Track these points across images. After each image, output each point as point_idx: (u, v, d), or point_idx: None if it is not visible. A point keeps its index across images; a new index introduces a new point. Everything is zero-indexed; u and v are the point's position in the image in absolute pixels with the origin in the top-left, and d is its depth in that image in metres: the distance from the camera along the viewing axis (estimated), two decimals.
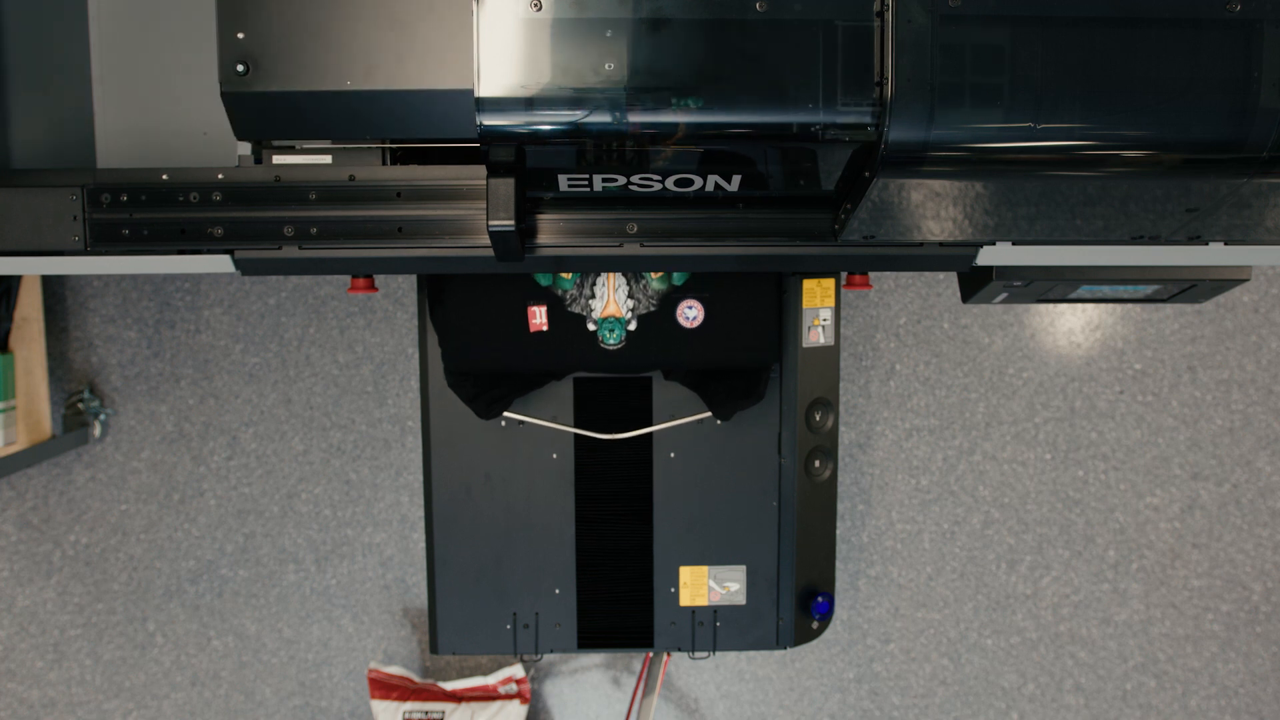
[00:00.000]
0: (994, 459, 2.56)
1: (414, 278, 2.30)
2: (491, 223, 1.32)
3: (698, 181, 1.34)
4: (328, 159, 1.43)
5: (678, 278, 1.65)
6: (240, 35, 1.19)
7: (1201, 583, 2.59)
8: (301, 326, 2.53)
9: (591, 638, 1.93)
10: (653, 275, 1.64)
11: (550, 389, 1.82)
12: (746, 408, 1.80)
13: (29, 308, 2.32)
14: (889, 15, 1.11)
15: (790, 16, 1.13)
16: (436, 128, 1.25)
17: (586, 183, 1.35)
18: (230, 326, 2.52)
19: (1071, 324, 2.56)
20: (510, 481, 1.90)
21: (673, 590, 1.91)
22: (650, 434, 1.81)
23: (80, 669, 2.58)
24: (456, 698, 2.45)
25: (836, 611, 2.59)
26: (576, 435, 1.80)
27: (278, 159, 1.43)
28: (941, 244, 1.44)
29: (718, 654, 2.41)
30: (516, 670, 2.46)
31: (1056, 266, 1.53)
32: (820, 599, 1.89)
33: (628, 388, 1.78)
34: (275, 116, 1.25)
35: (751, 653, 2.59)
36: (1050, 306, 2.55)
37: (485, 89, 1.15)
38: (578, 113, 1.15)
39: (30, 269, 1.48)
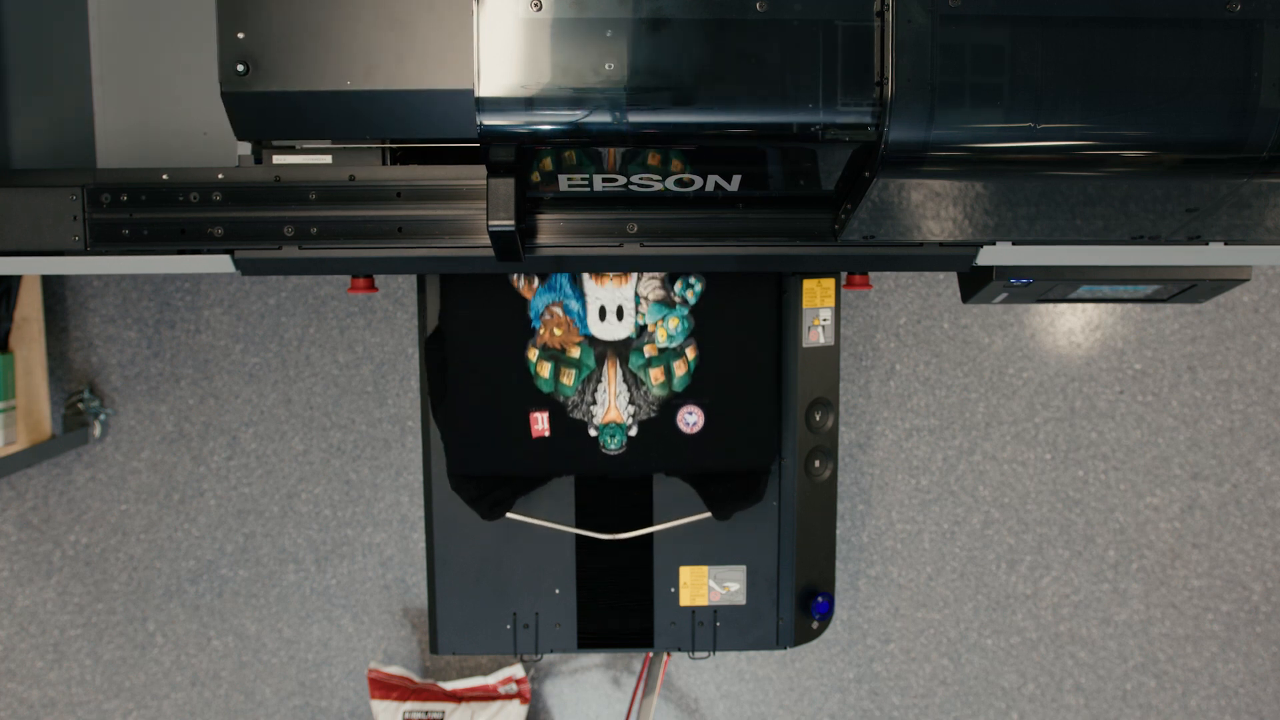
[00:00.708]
0: (994, 459, 2.56)
1: (414, 278, 2.30)
2: (491, 223, 1.32)
3: (698, 181, 1.34)
4: (328, 159, 1.43)
5: (678, 384, 1.69)
6: (240, 35, 1.19)
7: (1201, 583, 2.59)
8: (301, 326, 2.53)
9: (591, 638, 1.93)
10: (653, 381, 1.68)
11: (552, 483, 1.84)
12: (746, 508, 1.83)
13: (29, 308, 2.32)
14: (889, 15, 1.11)
15: (790, 16, 1.13)
16: (436, 128, 1.25)
17: (586, 182, 1.35)
18: (230, 326, 2.52)
19: (1071, 324, 2.56)
20: None
21: (673, 590, 1.91)
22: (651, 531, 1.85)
23: (80, 669, 2.58)
24: (456, 698, 2.45)
25: (836, 611, 2.59)
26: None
27: (278, 159, 1.43)
28: (941, 244, 1.44)
29: (718, 654, 2.41)
30: (516, 670, 2.46)
31: (1056, 266, 1.53)
32: (820, 599, 1.89)
33: (628, 485, 1.82)
34: (275, 116, 1.25)
35: (751, 653, 2.59)
36: (1050, 306, 2.55)
37: (485, 89, 1.15)
38: (578, 113, 1.16)
39: (30, 269, 1.48)
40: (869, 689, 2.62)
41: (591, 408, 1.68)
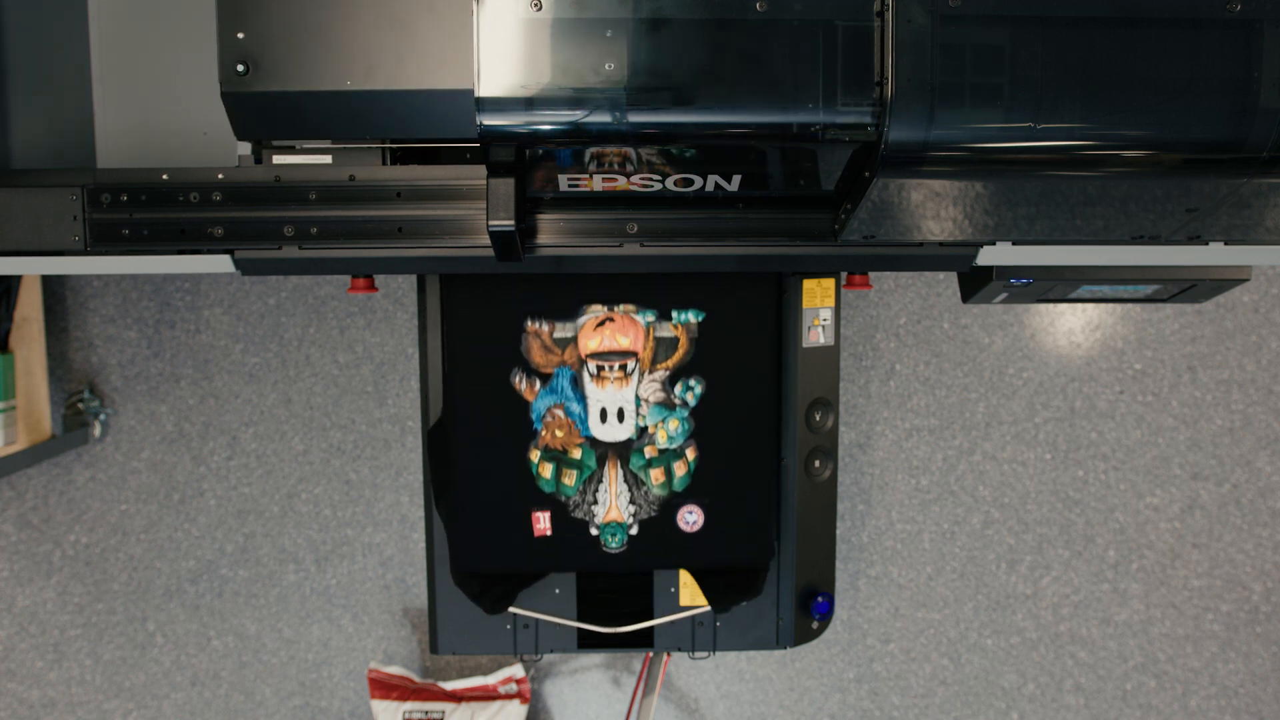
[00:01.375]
0: (994, 459, 2.56)
1: (414, 278, 2.30)
2: (491, 223, 1.32)
3: (698, 181, 1.34)
4: (328, 159, 1.43)
5: (679, 484, 1.72)
6: (240, 35, 1.19)
7: (1201, 583, 2.59)
8: (301, 326, 2.53)
9: (591, 638, 1.93)
10: (654, 481, 1.71)
11: (554, 575, 1.87)
12: (744, 602, 1.86)
13: (29, 308, 2.32)
14: (889, 15, 1.11)
15: (790, 16, 1.13)
16: (436, 128, 1.25)
17: (587, 183, 1.35)
18: (230, 326, 2.52)
19: (1071, 324, 2.56)
20: None
21: (673, 590, 1.91)
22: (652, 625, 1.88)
23: (80, 669, 2.58)
24: (456, 698, 2.45)
25: (836, 611, 2.59)
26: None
27: (278, 159, 1.43)
28: (941, 244, 1.44)
29: (718, 654, 2.41)
30: (516, 670, 2.46)
31: (1056, 266, 1.53)
32: (820, 599, 1.89)
33: (629, 578, 1.86)
34: (275, 116, 1.25)
35: (751, 653, 2.59)
36: (1050, 306, 2.55)
37: (485, 89, 1.15)
38: (578, 113, 1.15)
39: (30, 269, 1.48)
40: (869, 689, 2.62)
41: (593, 507, 1.72)
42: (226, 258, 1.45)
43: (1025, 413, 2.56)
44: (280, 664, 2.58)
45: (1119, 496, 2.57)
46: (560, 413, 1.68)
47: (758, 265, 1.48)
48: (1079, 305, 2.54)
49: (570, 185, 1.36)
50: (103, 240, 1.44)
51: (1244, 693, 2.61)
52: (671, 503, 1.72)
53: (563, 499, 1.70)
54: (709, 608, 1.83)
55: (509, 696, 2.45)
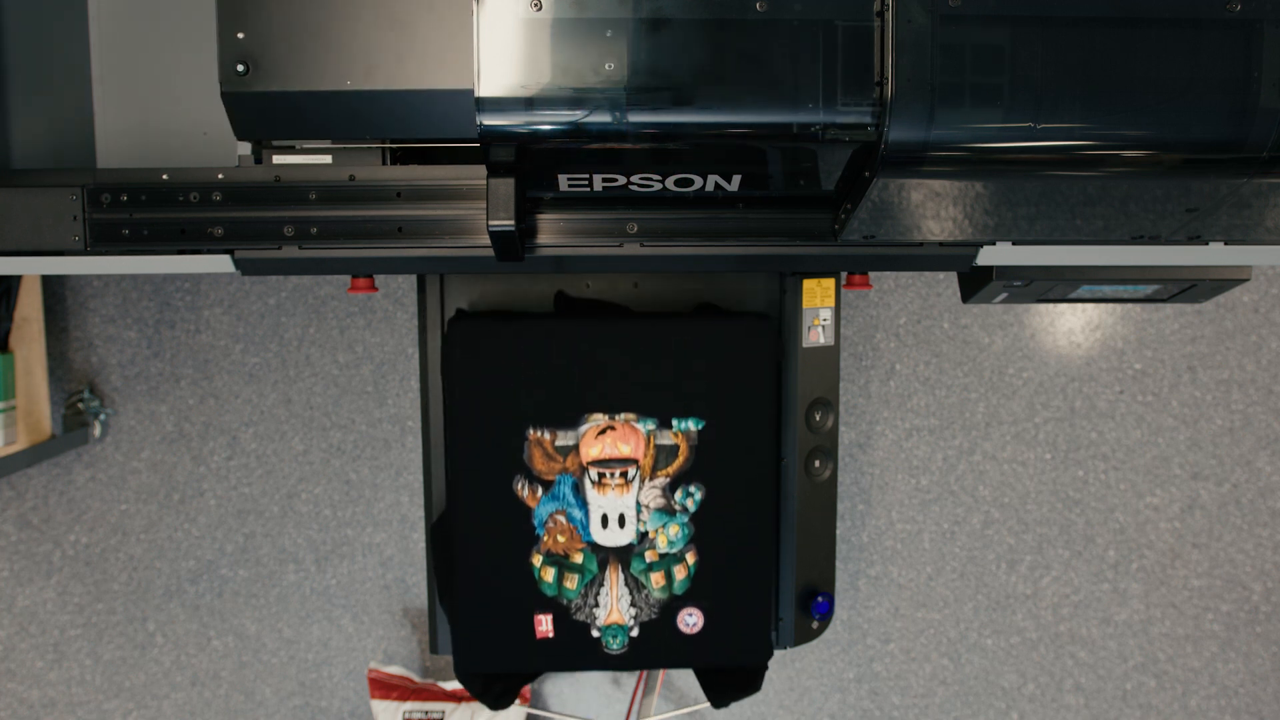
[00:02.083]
0: (994, 459, 2.56)
1: (414, 278, 2.30)
2: (492, 223, 1.32)
3: (698, 181, 1.34)
4: (328, 159, 1.43)
5: (679, 587, 1.75)
6: (240, 35, 1.19)
7: (1201, 583, 2.59)
8: (301, 326, 2.53)
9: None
10: (654, 585, 1.74)
11: None
12: (742, 698, 1.90)
13: (29, 308, 2.32)
14: (889, 15, 1.11)
15: (790, 16, 1.13)
16: (436, 128, 1.25)
17: (586, 183, 1.35)
18: (230, 326, 2.52)
19: (1071, 324, 2.56)
20: None
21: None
22: None
23: (80, 669, 2.58)
24: (456, 698, 2.45)
25: (836, 611, 2.59)
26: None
27: (278, 159, 1.43)
28: (941, 244, 1.44)
29: None
30: None
31: (1056, 266, 1.53)
32: (820, 599, 1.89)
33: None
34: (275, 116, 1.25)
35: None
36: (1050, 306, 2.55)
37: (485, 89, 1.15)
38: (578, 113, 1.15)
39: (30, 269, 1.48)
40: (869, 689, 2.62)
41: (594, 610, 1.74)
42: (226, 258, 1.45)
43: (1025, 413, 2.56)
44: (280, 664, 2.58)
45: (1119, 496, 2.57)
46: (562, 518, 1.71)
47: (758, 265, 1.48)
48: (1079, 305, 2.54)
49: (570, 185, 1.36)
50: (103, 240, 1.44)
51: (1244, 693, 2.61)
52: (672, 605, 1.75)
53: (565, 602, 1.74)
54: (707, 705, 1.90)
55: None
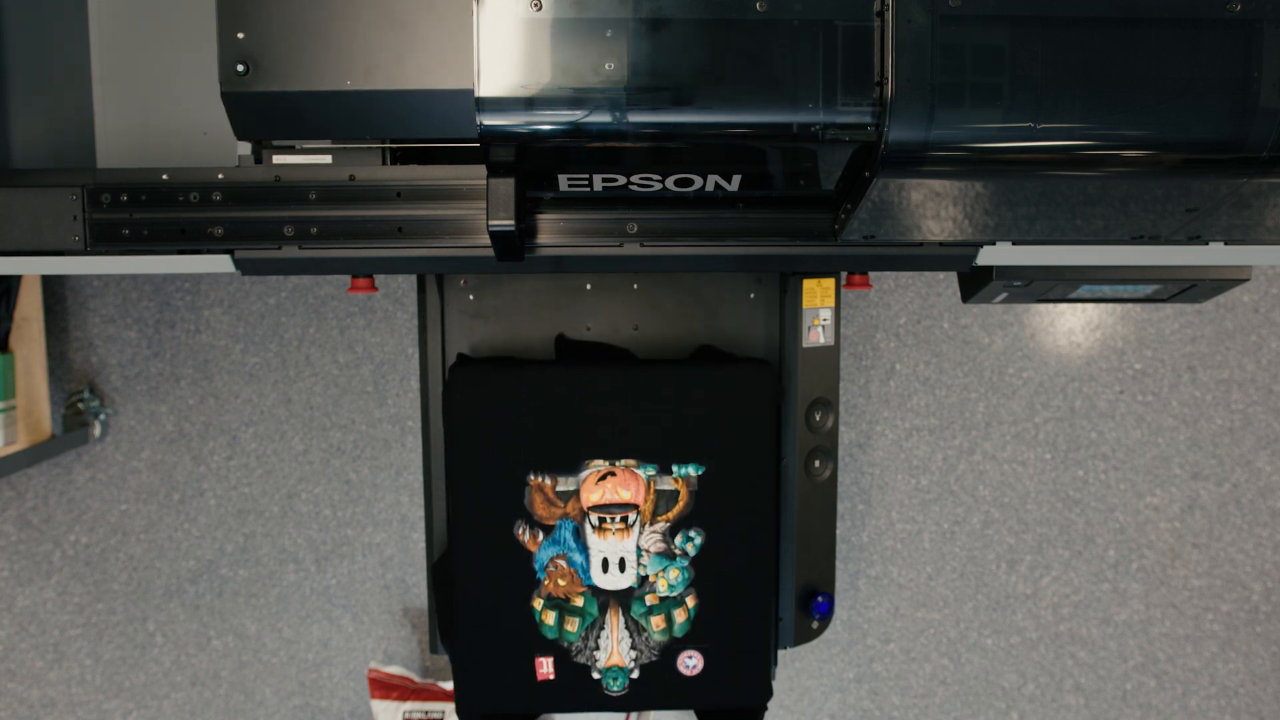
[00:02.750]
0: (994, 459, 2.56)
1: (414, 278, 2.30)
2: (492, 223, 1.32)
3: (698, 181, 1.34)
4: (328, 159, 1.43)
5: (679, 630, 1.76)
6: (240, 35, 1.19)
7: (1201, 583, 2.59)
8: (301, 326, 2.53)
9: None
10: (655, 628, 1.76)
11: None
12: None
13: (29, 308, 2.32)
14: (889, 15, 1.11)
15: (790, 16, 1.13)
16: (436, 128, 1.25)
17: (586, 183, 1.35)
18: (230, 326, 2.52)
19: (1071, 324, 2.56)
20: None
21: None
22: None
23: (80, 669, 2.58)
24: None
25: (836, 611, 2.59)
26: None
27: (278, 159, 1.43)
28: (941, 244, 1.44)
29: None
30: None
31: (1056, 266, 1.53)
32: (820, 599, 1.89)
33: None
34: (275, 116, 1.25)
35: None
36: (1050, 306, 2.55)
37: (485, 89, 1.15)
38: (578, 113, 1.15)
39: (30, 269, 1.48)
40: (869, 689, 2.62)
41: (595, 652, 1.76)
42: (226, 258, 1.45)
43: (1025, 413, 2.56)
44: (280, 664, 2.58)
45: (1119, 496, 2.57)
46: (563, 563, 1.73)
47: (758, 265, 1.48)
48: (1079, 305, 2.54)
49: (570, 185, 1.36)
50: (103, 240, 1.44)
51: (1244, 693, 2.61)
52: (672, 648, 1.77)
53: (565, 645, 1.75)
54: None
55: None
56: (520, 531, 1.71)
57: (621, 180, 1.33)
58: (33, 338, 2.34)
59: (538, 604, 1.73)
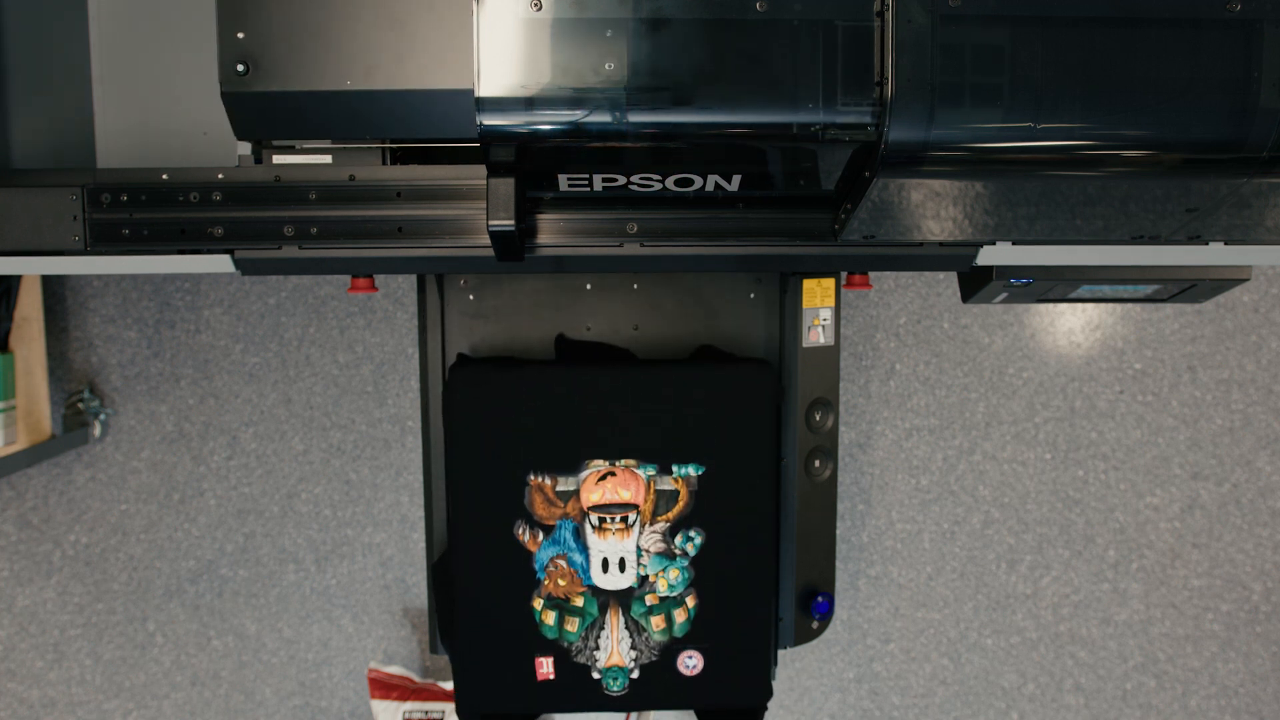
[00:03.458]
0: (994, 459, 2.56)
1: (414, 277, 2.30)
2: (492, 223, 1.32)
3: (698, 181, 1.34)
4: (328, 159, 1.43)
5: (679, 630, 1.76)
6: (240, 35, 1.19)
7: (1201, 583, 2.59)
8: (301, 326, 2.53)
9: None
10: (655, 628, 1.76)
11: None
12: None
13: (29, 308, 2.32)
14: (889, 15, 1.11)
15: (790, 16, 1.13)
16: (436, 128, 1.25)
17: (586, 183, 1.35)
18: (230, 326, 2.52)
19: (1071, 324, 2.56)
20: None
21: None
22: None
23: (80, 669, 2.58)
24: None
25: (836, 611, 2.59)
26: None
27: (278, 159, 1.43)
28: (941, 244, 1.44)
29: None
30: None
31: (1056, 266, 1.53)
32: (820, 599, 1.89)
33: None
34: (275, 116, 1.25)
35: None
36: (1050, 306, 2.55)
37: (485, 89, 1.15)
38: (578, 113, 1.15)
39: (30, 269, 1.48)
40: (869, 689, 2.62)
41: (595, 652, 1.76)
42: (226, 258, 1.45)
43: (1025, 413, 2.56)
44: (280, 664, 2.58)
45: (1119, 496, 2.57)
46: (563, 563, 1.73)
47: (758, 265, 1.48)
48: (1079, 305, 2.54)
49: (570, 185, 1.36)
50: (103, 240, 1.44)
51: (1244, 693, 2.61)
52: (672, 648, 1.77)
53: (565, 645, 1.76)
54: None
55: None
56: (520, 531, 1.71)
57: (621, 180, 1.33)
58: (33, 338, 2.34)
59: (538, 604, 1.73)
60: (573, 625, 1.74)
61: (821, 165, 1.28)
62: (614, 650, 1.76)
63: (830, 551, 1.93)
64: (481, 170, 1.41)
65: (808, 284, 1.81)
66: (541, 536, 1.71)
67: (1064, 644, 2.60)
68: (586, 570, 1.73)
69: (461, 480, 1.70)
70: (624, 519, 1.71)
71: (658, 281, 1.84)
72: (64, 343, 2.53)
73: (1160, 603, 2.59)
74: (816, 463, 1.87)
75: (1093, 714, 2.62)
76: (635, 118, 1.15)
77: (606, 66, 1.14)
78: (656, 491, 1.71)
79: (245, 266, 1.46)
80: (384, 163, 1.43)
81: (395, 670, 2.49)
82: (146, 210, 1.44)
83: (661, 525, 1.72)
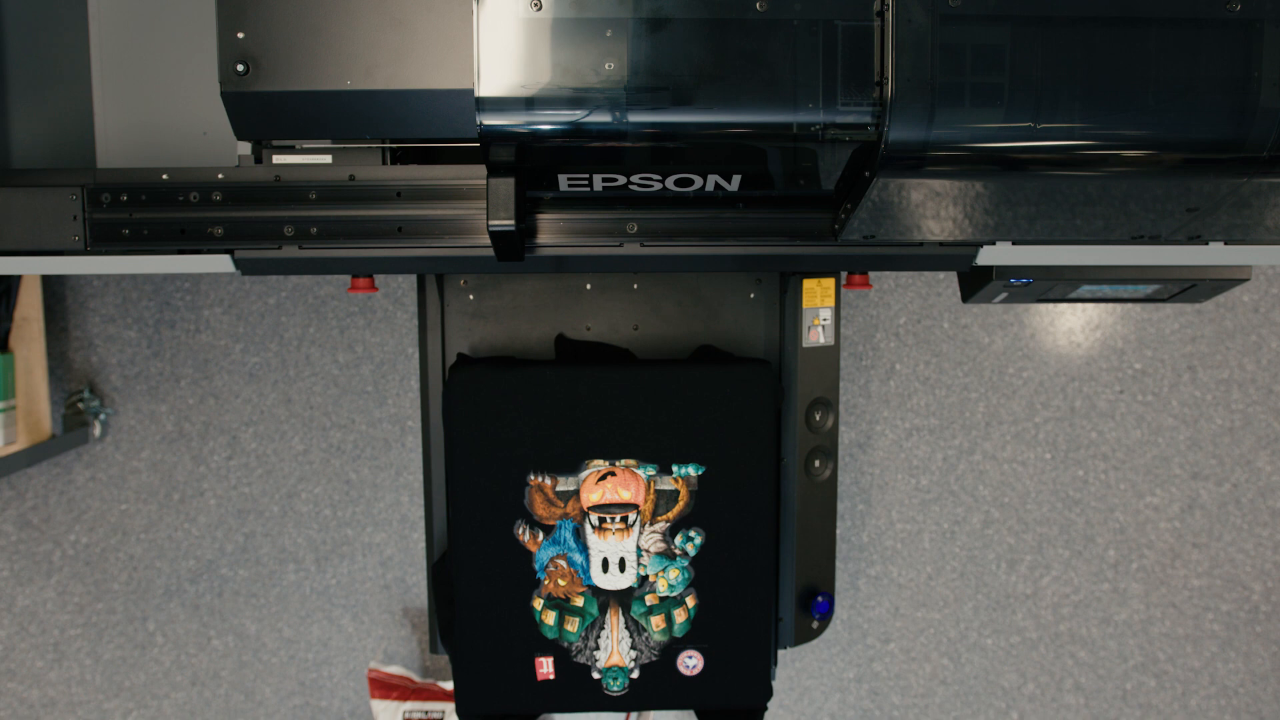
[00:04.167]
0: (994, 459, 2.56)
1: (414, 277, 2.30)
2: (492, 222, 1.32)
3: (698, 181, 1.34)
4: (328, 159, 1.43)
5: (679, 630, 1.77)
6: (240, 35, 1.19)
7: (1201, 583, 2.59)
8: (301, 326, 2.53)
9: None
10: (655, 628, 1.76)
11: None
12: None
13: (29, 308, 2.32)
14: (889, 15, 1.11)
15: (790, 16, 1.13)
16: (436, 127, 1.25)
17: (586, 182, 1.35)
18: (230, 326, 2.52)
19: (1071, 324, 2.56)
20: None
21: None
22: None
23: (80, 669, 2.58)
24: None
25: (836, 611, 2.59)
26: None
27: (278, 159, 1.43)
28: (941, 244, 1.44)
29: None
30: None
31: (1056, 266, 1.53)
32: (820, 599, 1.89)
33: None
34: (275, 116, 1.25)
35: None
36: (1050, 306, 2.55)
37: (485, 89, 1.15)
38: (578, 113, 1.15)
39: (30, 269, 1.48)
40: (869, 689, 2.62)
41: (595, 652, 1.77)
42: (226, 258, 1.45)
43: (1025, 413, 2.56)
44: (280, 664, 2.58)
45: (1119, 496, 2.57)
46: (563, 563, 1.73)
47: (758, 265, 1.48)
48: (1079, 305, 2.54)
49: (570, 185, 1.36)
50: (103, 240, 1.44)
51: (1244, 693, 2.61)
52: (672, 648, 1.78)
53: (565, 645, 1.76)
54: None
55: None
56: (520, 531, 1.71)
57: (621, 180, 1.33)
58: (33, 338, 2.34)
59: (538, 604, 1.73)
60: (573, 625, 1.74)
61: (821, 165, 1.28)
62: (614, 650, 1.76)
63: (830, 551, 1.93)
64: (481, 170, 1.41)
65: (808, 284, 1.81)
66: (541, 536, 1.71)
67: (1064, 644, 2.60)
68: (586, 570, 1.73)
69: (461, 480, 1.70)
70: (624, 519, 1.71)
71: (658, 281, 1.84)
72: (64, 343, 2.53)
73: (1160, 603, 2.59)
74: (816, 463, 1.87)
75: (1093, 714, 2.62)
76: (635, 118, 1.15)
77: (606, 66, 1.14)
78: (656, 491, 1.71)
79: (245, 266, 1.46)
80: (384, 163, 1.43)
81: (395, 670, 2.49)
82: (146, 210, 1.44)
83: (661, 525, 1.72)
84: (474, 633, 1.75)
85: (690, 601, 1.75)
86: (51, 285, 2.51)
